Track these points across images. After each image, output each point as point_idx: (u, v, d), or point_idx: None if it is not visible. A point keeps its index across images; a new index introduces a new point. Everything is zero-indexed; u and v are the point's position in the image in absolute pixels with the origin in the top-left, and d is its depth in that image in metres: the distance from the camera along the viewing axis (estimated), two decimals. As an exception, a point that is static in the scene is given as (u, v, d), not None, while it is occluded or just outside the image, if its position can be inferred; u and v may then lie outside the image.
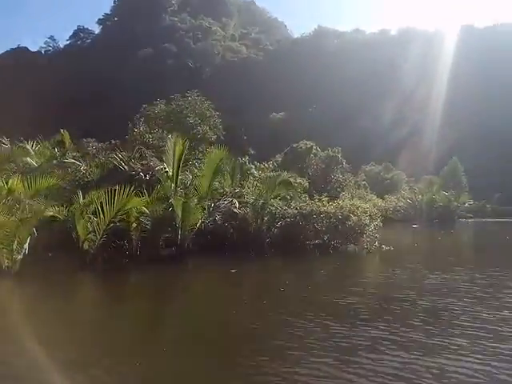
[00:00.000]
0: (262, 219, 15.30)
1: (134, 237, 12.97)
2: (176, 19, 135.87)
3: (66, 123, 33.85)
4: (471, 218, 45.89)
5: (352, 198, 37.48)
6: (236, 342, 6.43)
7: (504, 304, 8.08)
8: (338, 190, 34.68)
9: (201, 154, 17.86)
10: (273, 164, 34.37)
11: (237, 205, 14.40)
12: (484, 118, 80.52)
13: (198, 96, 27.29)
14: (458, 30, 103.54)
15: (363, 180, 45.68)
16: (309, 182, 32.68)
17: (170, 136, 15.18)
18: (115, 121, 53.40)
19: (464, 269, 12.30)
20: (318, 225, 15.04)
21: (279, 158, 37.76)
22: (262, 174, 30.16)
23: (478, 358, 5.28)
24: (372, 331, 6.43)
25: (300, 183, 28.94)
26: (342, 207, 15.45)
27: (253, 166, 32.40)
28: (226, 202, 14.66)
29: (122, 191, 11.72)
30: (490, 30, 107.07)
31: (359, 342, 5.97)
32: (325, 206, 15.47)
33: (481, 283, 10.21)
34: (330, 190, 34.10)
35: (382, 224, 16.61)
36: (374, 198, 44.05)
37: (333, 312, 7.60)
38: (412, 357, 5.37)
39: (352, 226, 14.91)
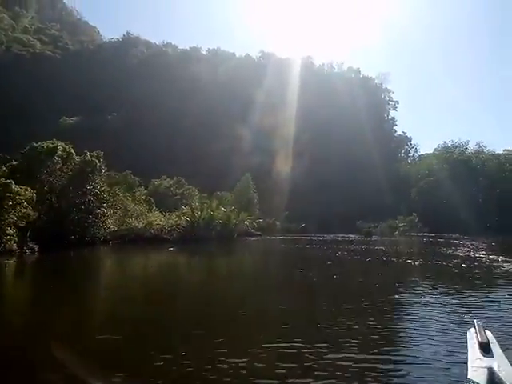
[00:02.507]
0: None
1: None
2: None
3: None
4: (260, 235, 45.00)
5: (115, 212, 31.32)
6: None
7: None
8: (95, 204, 27.76)
9: None
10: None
11: None
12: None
13: None
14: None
15: (143, 194, 39.86)
16: (46, 192, 24.97)
17: None
18: None
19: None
20: None
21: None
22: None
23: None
24: None
25: (19, 193, 21.08)
26: None
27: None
28: None
29: None
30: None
31: None
32: None
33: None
34: (82, 203, 27.05)
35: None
36: (157, 214, 38.84)
37: None
38: None
39: None
